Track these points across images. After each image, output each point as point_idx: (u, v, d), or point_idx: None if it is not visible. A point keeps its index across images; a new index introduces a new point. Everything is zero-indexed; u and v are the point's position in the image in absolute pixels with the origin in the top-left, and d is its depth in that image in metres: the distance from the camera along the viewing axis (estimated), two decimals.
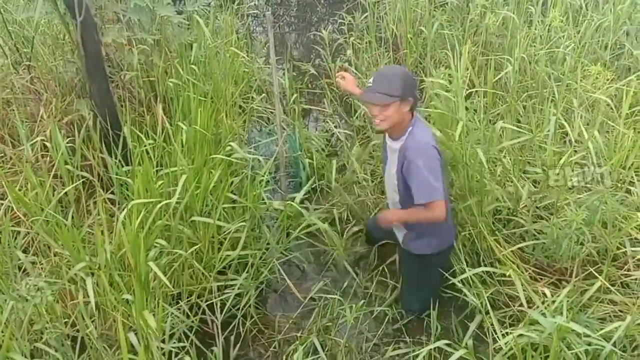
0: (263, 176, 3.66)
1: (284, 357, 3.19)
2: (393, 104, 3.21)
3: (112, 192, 3.62)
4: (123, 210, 2.99)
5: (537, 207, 3.45)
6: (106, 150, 3.70)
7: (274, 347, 3.43)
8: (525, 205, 3.46)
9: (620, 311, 3.05)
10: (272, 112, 4.88)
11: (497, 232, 3.42)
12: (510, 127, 3.55)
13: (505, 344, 2.72)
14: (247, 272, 3.45)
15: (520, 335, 2.74)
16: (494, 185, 3.47)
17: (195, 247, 3.27)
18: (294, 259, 3.98)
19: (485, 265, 3.36)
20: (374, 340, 3.43)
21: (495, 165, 3.57)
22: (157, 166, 3.57)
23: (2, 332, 2.61)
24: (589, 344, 2.60)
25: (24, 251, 3.28)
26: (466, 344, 2.93)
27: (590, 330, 2.61)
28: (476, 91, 3.43)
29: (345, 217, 4.17)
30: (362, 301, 3.60)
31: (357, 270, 3.93)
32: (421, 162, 3.17)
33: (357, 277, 3.85)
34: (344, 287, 3.79)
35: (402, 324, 3.59)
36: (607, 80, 4.06)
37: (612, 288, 3.10)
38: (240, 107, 5.03)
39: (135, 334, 2.73)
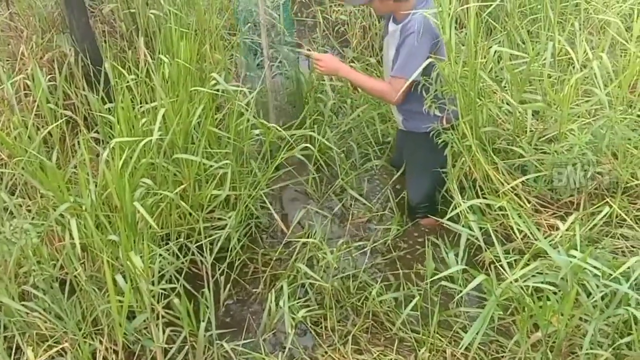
0: (245, 108, 3.80)
1: (270, 296, 3.37)
2: (374, 1, 3.61)
3: (97, 131, 3.81)
4: (106, 149, 3.14)
5: (537, 142, 3.51)
6: (89, 88, 3.87)
7: (262, 285, 3.69)
8: (525, 136, 3.53)
9: (633, 247, 3.10)
10: (259, 45, 5.03)
11: (495, 161, 3.51)
12: (505, 50, 3.54)
13: (516, 281, 2.71)
14: (234, 210, 3.63)
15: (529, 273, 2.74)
16: (487, 101, 3.57)
17: (182, 186, 3.43)
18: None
19: (484, 197, 3.47)
20: (360, 278, 3.63)
21: (492, 85, 3.67)
22: (140, 103, 3.71)
23: None
24: (605, 286, 2.61)
25: (11, 193, 3.49)
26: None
27: (607, 267, 2.59)
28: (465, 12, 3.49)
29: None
30: (342, 240, 3.86)
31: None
32: (419, 37, 3.48)
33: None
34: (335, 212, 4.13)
35: (396, 255, 3.86)
36: None
37: (626, 217, 3.17)
38: (227, 39, 5.14)
39: (124, 275, 2.91)
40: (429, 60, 3.37)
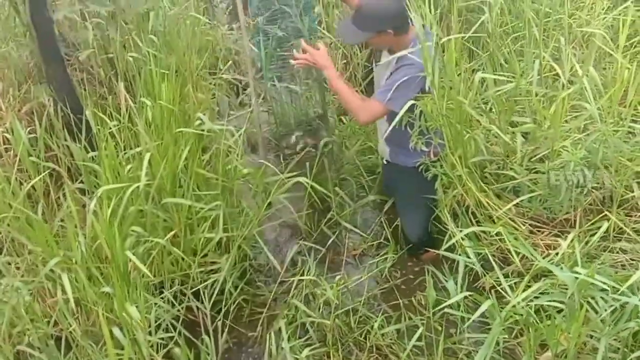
0: (232, 147, 3.83)
1: (269, 338, 3.34)
2: (374, 37, 3.56)
3: (82, 182, 3.79)
4: (93, 198, 3.11)
5: (529, 161, 3.49)
6: (70, 137, 3.86)
7: (260, 327, 3.65)
8: (516, 158, 3.50)
9: (632, 259, 3.09)
10: (240, 83, 5.04)
11: (487, 186, 3.51)
12: (490, 76, 3.55)
13: (518, 303, 2.70)
14: (228, 253, 3.62)
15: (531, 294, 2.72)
16: (476, 132, 3.54)
17: (172, 232, 3.42)
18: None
19: (479, 223, 3.47)
20: (359, 312, 3.63)
21: (479, 118, 3.62)
22: (124, 149, 3.72)
23: None
24: (615, 300, 2.61)
25: None
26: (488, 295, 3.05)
27: (612, 282, 2.59)
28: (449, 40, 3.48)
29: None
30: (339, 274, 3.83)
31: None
32: (408, 72, 3.46)
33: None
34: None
35: (393, 283, 3.90)
36: (603, 9, 4.13)
37: (626, 228, 3.16)
38: (207, 79, 5.15)
39: (120, 328, 2.88)
40: (411, 102, 3.36)
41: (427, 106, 3.39)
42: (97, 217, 3.05)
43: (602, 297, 2.62)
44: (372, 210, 4.56)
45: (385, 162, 4.14)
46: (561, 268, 2.65)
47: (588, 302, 2.63)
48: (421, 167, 3.70)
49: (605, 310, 2.60)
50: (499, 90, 3.56)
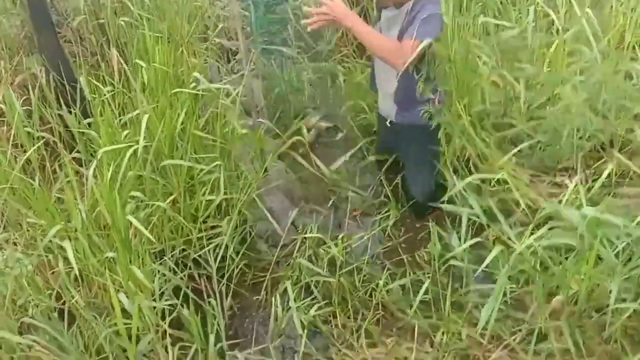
0: (230, 105, 3.79)
1: (274, 300, 3.34)
2: None
3: (78, 151, 3.77)
4: (92, 162, 3.08)
5: (528, 109, 3.45)
6: (65, 107, 3.83)
7: (264, 291, 3.63)
8: (514, 106, 3.47)
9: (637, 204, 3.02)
10: (231, 49, 5.00)
11: (486, 137, 3.47)
12: (492, 20, 3.50)
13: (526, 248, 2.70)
14: (229, 216, 3.61)
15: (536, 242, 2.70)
16: (481, 78, 3.47)
17: (172, 196, 3.41)
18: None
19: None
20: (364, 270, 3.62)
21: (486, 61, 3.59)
22: (119, 116, 3.69)
23: None
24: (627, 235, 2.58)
25: None
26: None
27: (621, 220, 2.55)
28: None
29: None
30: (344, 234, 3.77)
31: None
32: (432, 9, 3.35)
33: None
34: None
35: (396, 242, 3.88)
36: None
37: (635, 167, 3.11)
38: (198, 45, 5.11)
39: (126, 296, 2.85)
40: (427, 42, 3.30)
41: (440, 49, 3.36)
42: (96, 183, 3.03)
43: (616, 235, 2.59)
44: (371, 171, 4.52)
45: (388, 124, 4.02)
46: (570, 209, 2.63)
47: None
48: (425, 114, 3.65)
49: (617, 247, 2.60)
50: (507, 35, 3.51)
